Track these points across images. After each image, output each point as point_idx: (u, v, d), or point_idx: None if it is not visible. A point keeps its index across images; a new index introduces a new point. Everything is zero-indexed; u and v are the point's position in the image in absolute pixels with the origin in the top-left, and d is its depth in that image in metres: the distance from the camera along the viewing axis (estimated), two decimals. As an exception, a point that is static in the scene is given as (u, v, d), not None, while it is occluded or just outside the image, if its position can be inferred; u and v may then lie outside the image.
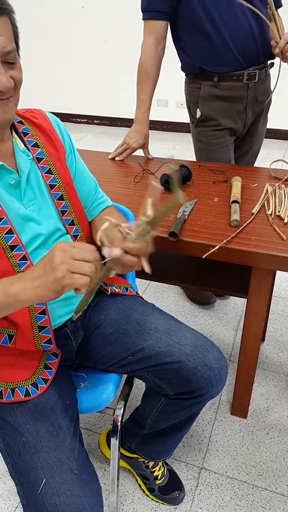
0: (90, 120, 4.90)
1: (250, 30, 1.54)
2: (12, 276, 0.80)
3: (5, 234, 0.89)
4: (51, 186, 0.99)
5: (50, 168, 0.99)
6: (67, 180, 1.02)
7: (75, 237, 1.03)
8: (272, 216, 1.30)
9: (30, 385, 0.94)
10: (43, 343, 0.96)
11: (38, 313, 0.94)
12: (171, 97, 4.17)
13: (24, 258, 0.91)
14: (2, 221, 0.89)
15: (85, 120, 4.91)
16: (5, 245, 0.89)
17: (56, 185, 1.00)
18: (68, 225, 1.02)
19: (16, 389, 0.93)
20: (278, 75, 1.70)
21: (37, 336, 0.95)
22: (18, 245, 0.90)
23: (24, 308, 0.93)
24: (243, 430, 1.52)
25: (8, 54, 0.82)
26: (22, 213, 0.92)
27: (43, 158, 0.99)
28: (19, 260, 0.90)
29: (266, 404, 1.61)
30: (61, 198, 1.01)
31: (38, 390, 0.94)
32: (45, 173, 0.98)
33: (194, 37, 1.60)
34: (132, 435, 1.27)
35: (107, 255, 0.80)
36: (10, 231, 0.90)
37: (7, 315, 0.94)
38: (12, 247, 0.90)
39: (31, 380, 0.95)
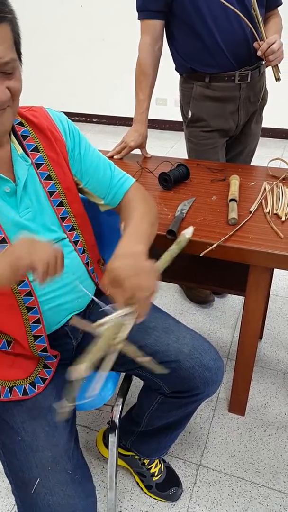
0: (89, 118, 4.90)
1: (242, 30, 1.52)
2: None
3: None
4: (51, 193, 0.96)
5: (49, 174, 0.96)
6: (68, 185, 1.00)
7: (75, 242, 1.02)
8: (270, 214, 1.30)
9: (28, 384, 0.94)
10: (39, 351, 0.96)
11: (32, 323, 0.94)
12: (170, 95, 4.16)
13: None
14: None
15: (84, 118, 4.91)
16: None
17: (55, 191, 0.97)
18: (69, 231, 1.01)
19: (14, 387, 0.93)
20: (262, 73, 1.70)
21: (32, 346, 0.95)
22: None
23: (18, 317, 0.93)
24: (241, 427, 1.53)
25: (6, 65, 0.77)
26: (17, 222, 0.91)
27: (43, 163, 0.95)
28: None
29: (263, 401, 1.62)
30: (60, 204, 0.98)
31: (36, 389, 0.94)
32: (44, 179, 0.95)
33: (187, 36, 1.59)
34: (127, 433, 1.27)
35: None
36: (4, 241, 0.88)
37: (1, 326, 0.93)
38: None
39: (30, 379, 0.95)
